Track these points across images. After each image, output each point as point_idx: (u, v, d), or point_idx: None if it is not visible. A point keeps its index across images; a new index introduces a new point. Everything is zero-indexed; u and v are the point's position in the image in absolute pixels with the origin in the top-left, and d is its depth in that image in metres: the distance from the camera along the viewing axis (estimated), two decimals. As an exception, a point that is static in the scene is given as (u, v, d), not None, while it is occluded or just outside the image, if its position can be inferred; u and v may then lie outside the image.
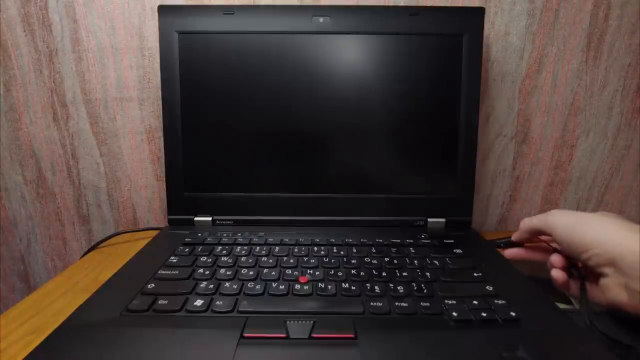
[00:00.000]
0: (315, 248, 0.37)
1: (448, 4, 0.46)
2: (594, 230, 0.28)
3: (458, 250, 0.37)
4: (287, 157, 0.43)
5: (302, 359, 0.23)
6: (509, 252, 0.37)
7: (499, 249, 0.38)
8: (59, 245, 0.54)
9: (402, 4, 0.46)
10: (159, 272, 0.32)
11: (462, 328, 0.25)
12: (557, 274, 0.31)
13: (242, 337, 0.24)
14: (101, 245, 0.45)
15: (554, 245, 0.33)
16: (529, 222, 0.35)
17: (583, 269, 0.31)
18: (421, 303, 0.28)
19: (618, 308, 0.27)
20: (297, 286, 0.30)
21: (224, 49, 0.41)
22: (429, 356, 0.23)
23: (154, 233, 0.43)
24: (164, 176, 0.43)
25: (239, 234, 0.40)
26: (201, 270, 0.32)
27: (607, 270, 0.27)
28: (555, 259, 0.32)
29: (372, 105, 0.42)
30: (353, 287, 0.30)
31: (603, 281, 0.28)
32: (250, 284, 0.30)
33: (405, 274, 0.32)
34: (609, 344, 0.25)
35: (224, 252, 0.36)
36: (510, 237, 0.37)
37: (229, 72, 0.41)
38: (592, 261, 0.28)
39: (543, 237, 0.35)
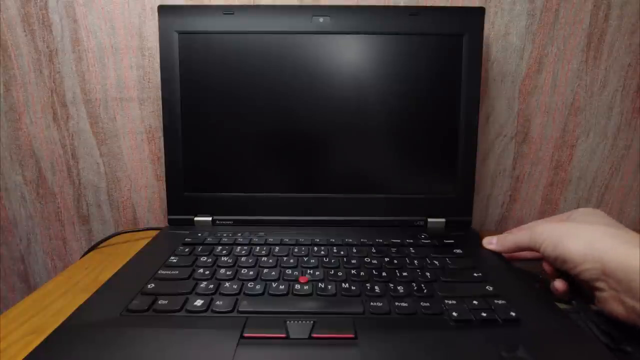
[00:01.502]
0: (315, 248, 0.37)
1: (448, 4, 0.46)
2: (580, 245, 0.27)
3: (458, 250, 0.37)
4: (287, 157, 0.43)
5: (302, 359, 0.23)
6: None
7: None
8: (59, 245, 0.54)
9: (402, 4, 0.46)
10: (159, 272, 0.32)
11: (462, 328, 0.25)
12: (559, 285, 0.30)
13: (242, 337, 0.24)
14: (101, 245, 0.45)
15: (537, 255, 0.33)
16: (512, 240, 0.34)
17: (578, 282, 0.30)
18: (421, 303, 0.28)
19: (618, 320, 0.26)
20: (297, 286, 0.30)
21: (224, 49, 0.41)
22: (429, 356, 0.23)
23: (154, 233, 0.43)
24: (164, 176, 0.43)
25: (239, 234, 0.40)
26: (201, 270, 0.32)
27: (600, 284, 0.26)
28: (546, 267, 0.32)
29: (372, 105, 0.42)
30: (353, 287, 0.30)
31: (599, 295, 0.27)
32: (250, 284, 0.30)
33: (405, 274, 0.32)
34: (607, 341, 0.25)
35: (224, 252, 0.36)
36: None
37: (229, 72, 0.41)
38: (583, 276, 0.27)
39: (528, 255, 0.34)
